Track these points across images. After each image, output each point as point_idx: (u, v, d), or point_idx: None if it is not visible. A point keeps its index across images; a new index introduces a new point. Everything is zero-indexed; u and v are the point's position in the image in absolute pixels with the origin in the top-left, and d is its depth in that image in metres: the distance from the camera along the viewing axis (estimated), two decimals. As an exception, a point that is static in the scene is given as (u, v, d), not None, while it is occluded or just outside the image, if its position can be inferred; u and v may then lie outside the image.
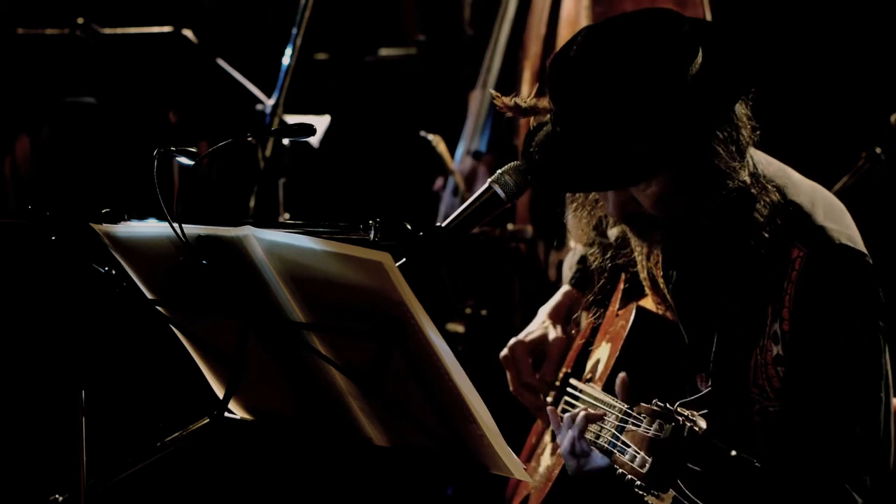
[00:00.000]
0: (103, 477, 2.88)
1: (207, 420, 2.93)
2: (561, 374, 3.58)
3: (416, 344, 2.67)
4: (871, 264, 2.99)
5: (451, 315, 5.56)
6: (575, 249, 3.75)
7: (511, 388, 3.59)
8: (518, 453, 3.61)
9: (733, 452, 2.72)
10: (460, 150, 5.90)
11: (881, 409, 3.00)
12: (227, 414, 2.99)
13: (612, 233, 3.48)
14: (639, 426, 2.74)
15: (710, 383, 3.07)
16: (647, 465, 2.70)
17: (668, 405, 2.71)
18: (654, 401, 2.75)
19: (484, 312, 5.61)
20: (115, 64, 5.65)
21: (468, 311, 5.58)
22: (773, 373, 2.98)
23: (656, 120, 2.83)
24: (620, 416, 2.90)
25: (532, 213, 5.49)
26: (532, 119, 3.12)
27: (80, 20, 5.54)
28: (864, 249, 3.01)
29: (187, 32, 5.50)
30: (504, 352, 3.61)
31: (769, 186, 3.01)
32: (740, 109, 2.95)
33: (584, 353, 3.54)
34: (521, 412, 3.69)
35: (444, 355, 2.66)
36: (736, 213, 2.98)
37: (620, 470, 2.78)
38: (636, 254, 3.34)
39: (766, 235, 2.98)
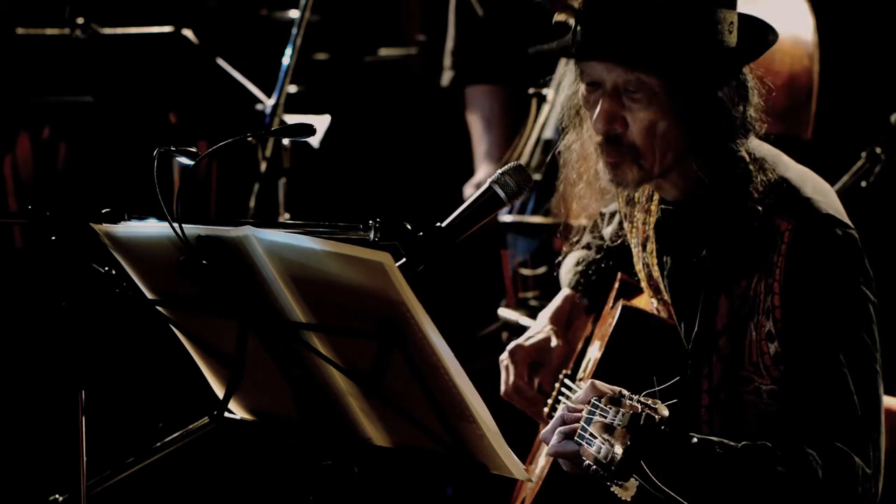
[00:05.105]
0: (103, 477, 2.88)
1: (207, 420, 2.94)
2: (561, 377, 3.58)
3: (416, 344, 2.67)
4: (857, 237, 3.02)
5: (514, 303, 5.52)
6: (572, 252, 3.75)
7: (501, 392, 3.57)
8: (525, 457, 3.61)
9: (695, 439, 2.73)
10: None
11: (878, 382, 2.98)
12: (227, 414, 2.99)
13: (608, 231, 3.49)
14: (605, 416, 2.72)
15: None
16: (609, 455, 2.69)
17: (630, 394, 2.71)
18: (618, 390, 2.74)
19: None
20: (115, 64, 5.65)
21: (534, 303, 5.55)
22: (766, 348, 2.99)
23: (672, 34, 2.93)
24: (590, 408, 2.89)
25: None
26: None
27: (80, 20, 5.54)
28: (849, 223, 3.03)
29: (187, 32, 5.49)
30: (503, 355, 3.59)
31: (766, 165, 3.05)
32: (753, 89, 3.03)
33: (582, 353, 3.55)
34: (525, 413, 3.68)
35: (444, 355, 2.66)
36: (732, 186, 3.01)
37: (587, 462, 2.76)
38: (632, 245, 3.34)
39: (760, 211, 3.00)
